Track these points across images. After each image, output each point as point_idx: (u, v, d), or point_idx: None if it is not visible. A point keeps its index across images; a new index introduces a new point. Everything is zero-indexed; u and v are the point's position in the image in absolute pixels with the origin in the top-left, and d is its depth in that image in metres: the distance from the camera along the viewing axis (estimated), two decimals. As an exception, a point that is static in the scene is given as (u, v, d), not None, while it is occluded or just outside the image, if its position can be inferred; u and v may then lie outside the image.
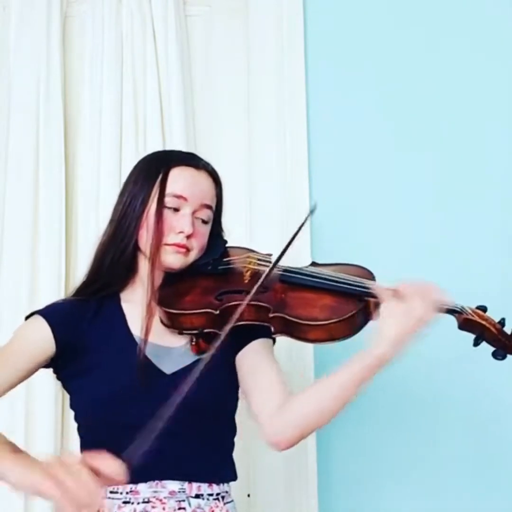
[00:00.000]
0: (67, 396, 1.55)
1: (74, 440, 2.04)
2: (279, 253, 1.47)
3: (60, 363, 1.50)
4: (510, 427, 2.15)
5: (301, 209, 2.16)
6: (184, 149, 2.04)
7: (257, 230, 2.18)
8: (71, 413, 1.54)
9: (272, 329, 1.46)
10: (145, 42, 2.24)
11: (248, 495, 2.00)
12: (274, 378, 1.51)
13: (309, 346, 2.08)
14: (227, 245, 1.62)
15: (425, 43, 2.29)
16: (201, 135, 2.29)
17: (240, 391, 1.55)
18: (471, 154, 2.24)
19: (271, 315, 1.43)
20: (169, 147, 2.15)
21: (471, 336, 1.42)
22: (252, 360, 1.53)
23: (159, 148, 2.16)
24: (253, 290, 1.39)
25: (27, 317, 1.54)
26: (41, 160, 2.20)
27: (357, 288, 1.45)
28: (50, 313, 1.51)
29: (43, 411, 2.09)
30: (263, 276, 1.43)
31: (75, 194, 2.26)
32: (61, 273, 2.16)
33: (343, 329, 1.41)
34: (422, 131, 2.25)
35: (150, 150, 2.15)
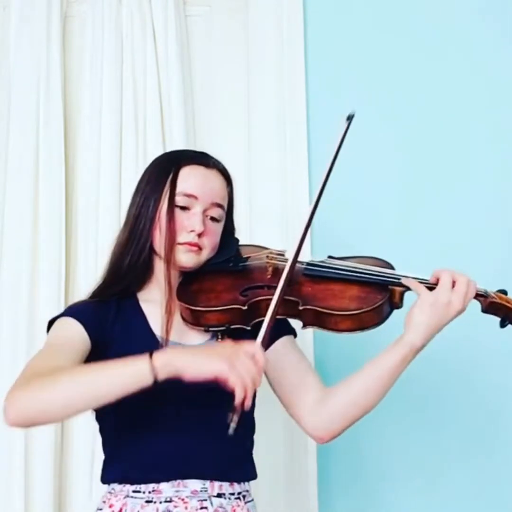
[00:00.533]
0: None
1: (73, 433, 2.09)
2: (308, 216, 1.50)
3: (87, 361, 1.48)
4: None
5: (301, 209, 2.16)
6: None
7: (257, 230, 2.18)
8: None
9: (302, 322, 1.49)
10: (145, 42, 2.24)
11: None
12: (307, 373, 1.55)
13: (309, 345, 2.08)
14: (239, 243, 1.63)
15: (425, 42, 2.29)
16: (201, 135, 2.29)
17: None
18: (471, 150, 2.25)
19: (301, 308, 1.47)
20: (169, 147, 2.15)
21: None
22: (282, 359, 1.56)
23: (159, 148, 2.16)
24: (283, 278, 1.43)
25: (50, 322, 1.52)
26: (41, 160, 2.20)
27: (383, 278, 1.49)
28: (76, 313, 1.51)
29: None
30: (290, 261, 1.45)
31: (75, 194, 2.26)
32: (61, 273, 2.16)
33: (372, 318, 1.45)
34: (422, 128, 2.26)
35: (150, 150, 2.16)
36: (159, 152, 2.02)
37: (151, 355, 1.28)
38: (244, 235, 2.06)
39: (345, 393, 1.49)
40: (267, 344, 1.44)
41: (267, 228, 2.18)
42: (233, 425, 1.27)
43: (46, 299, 2.13)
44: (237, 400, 1.27)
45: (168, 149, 2.08)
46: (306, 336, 2.04)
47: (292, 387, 1.54)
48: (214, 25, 2.34)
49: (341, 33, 2.29)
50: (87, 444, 2.07)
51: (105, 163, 2.19)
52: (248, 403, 1.28)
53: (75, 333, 1.46)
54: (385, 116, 2.26)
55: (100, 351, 1.47)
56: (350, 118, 1.57)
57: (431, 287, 1.44)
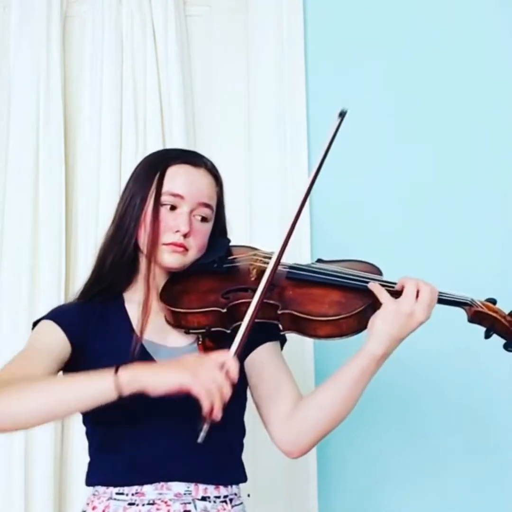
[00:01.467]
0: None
1: (74, 433, 2.09)
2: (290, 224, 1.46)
3: (69, 362, 1.48)
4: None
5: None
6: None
7: (257, 230, 2.18)
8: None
9: (281, 326, 1.44)
10: (145, 42, 2.25)
11: (248, 495, 2.00)
12: (283, 384, 1.50)
13: (309, 347, 2.08)
14: (230, 244, 1.60)
15: (425, 41, 2.29)
16: (201, 135, 2.29)
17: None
18: (472, 148, 2.25)
19: (279, 312, 1.42)
20: (169, 147, 2.15)
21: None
22: (259, 367, 1.52)
23: (159, 148, 2.16)
24: (263, 283, 1.38)
25: (34, 324, 1.52)
26: (41, 160, 2.20)
27: (352, 283, 1.44)
28: (58, 316, 1.50)
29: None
30: (272, 264, 1.41)
31: (75, 194, 2.26)
32: (61, 273, 2.16)
33: (352, 325, 1.40)
34: (422, 127, 2.26)
35: (150, 150, 2.15)
36: (159, 152, 2.02)
37: (117, 370, 1.27)
38: (244, 235, 2.07)
39: (309, 408, 1.44)
40: (245, 351, 1.40)
41: (267, 228, 2.17)
42: (202, 434, 1.24)
43: (46, 299, 2.13)
44: (205, 410, 1.24)
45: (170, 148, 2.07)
46: (306, 340, 2.03)
47: (267, 397, 1.50)
48: (214, 25, 2.35)
49: (341, 33, 2.30)
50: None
51: (105, 163, 2.19)
52: (216, 413, 1.24)
53: (53, 340, 1.46)
54: (385, 116, 2.26)
55: (81, 352, 1.46)
56: (342, 114, 1.50)
57: (397, 293, 1.39)
